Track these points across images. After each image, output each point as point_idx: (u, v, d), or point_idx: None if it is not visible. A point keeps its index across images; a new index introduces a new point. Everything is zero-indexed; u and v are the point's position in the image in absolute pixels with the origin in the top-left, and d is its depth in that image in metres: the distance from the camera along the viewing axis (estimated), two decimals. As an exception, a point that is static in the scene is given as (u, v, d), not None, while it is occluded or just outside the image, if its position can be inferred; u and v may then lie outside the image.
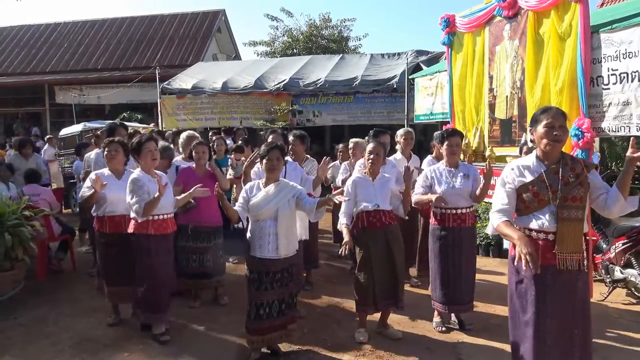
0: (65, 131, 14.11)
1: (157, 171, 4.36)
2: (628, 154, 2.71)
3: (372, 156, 4.26)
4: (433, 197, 4.24)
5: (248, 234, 3.79)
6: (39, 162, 8.37)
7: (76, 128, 13.76)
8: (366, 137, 5.52)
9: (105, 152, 4.64)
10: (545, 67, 5.94)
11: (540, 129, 2.82)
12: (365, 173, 4.33)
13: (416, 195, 4.47)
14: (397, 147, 5.80)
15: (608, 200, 2.80)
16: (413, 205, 4.56)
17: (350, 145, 5.83)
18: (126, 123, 10.63)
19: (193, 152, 5.06)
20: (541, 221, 2.81)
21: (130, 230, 4.23)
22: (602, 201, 2.81)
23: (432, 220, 4.51)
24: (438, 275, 4.42)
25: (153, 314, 4.27)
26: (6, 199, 5.78)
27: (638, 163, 2.72)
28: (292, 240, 3.81)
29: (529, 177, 2.86)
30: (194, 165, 5.10)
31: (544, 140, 2.81)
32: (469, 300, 4.42)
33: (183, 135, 5.86)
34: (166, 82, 14.80)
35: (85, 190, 4.54)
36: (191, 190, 4.31)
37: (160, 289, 4.25)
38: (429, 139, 12.92)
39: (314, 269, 5.66)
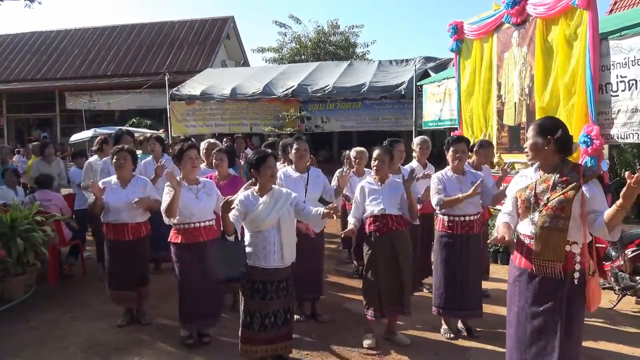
0: (75, 137, 14.29)
1: (202, 178, 4.43)
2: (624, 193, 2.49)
3: (375, 162, 4.30)
4: (465, 194, 4.17)
5: (248, 247, 3.71)
6: (62, 167, 8.18)
7: (87, 134, 13.93)
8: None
9: (114, 161, 4.66)
10: (555, 74, 5.94)
11: None
12: (374, 178, 4.36)
13: (438, 200, 4.35)
14: (414, 154, 5.84)
15: (595, 224, 2.70)
16: (439, 210, 4.44)
17: (354, 154, 5.80)
18: (135, 129, 10.73)
19: (213, 160, 5.09)
20: (526, 227, 2.91)
21: (169, 238, 4.29)
22: (590, 220, 2.74)
23: (438, 227, 4.52)
24: (443, 281, 4.43)
25: (183, 323, 4.28)
26: (19, 205, 5.86)
27: None
28: (294, 246, 3.80)
29: (521, 185, 2.98)
30: (215, 172, 5.09)
31: None
32: (475, 307, 4.41)
33: (203, 144, 5.88)
34: (175, 88, 14.92)
35: (90, 197, 4.61)
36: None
37: (189, 297, 4.22)
38: (437, 145, 12.95)
39: (316, 300, 5.03)
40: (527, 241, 2.91)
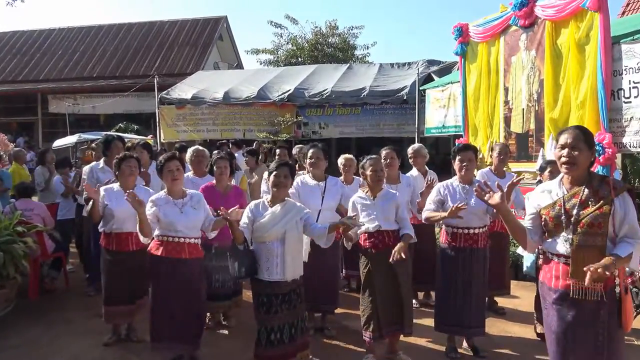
0: (59, 142, 14.23)
1: (189, 190, 4.32)
2: None
3: (371, 174, 4.26)
4: (444, 214, 4.21)
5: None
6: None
7: (71, 139, 13.88)
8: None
9: (122, 167, 4.62)
10: (566, 79, 5.99)
11: (556, 151, 2.88)
12: (366, 192, 4.35)
13: (426, 212, 4.46)
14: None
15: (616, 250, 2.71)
16: (423, 221, 4.57)
17: (342, 161, 5.72)
18: (122, 134, 10.74)
19: (214, 167, 5.02)
20: (558, 246, 2.85)
21: (149, 248, 4.21)
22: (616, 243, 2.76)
23: (442, 239, 4.54)
24: (444, 296, 4.45)
25: (158, 342, 4.13)
26: (-1, 214, 5.85)
27: None
28: (298, 263, 3.81)
29: (547, 201, 2.90)
30: (213, 181, 5.06)
31: (558, 163, 2.87)
32: (478, 324, 4.39)
33: (190, 150, 5.74)
34: (165, 92, 14.95)
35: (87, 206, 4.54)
36: (226, 216, 3.79)
37: (160, 316, 4.10)
38: (441, 153, 12.98)
39: (329, 313, 5.11)
40: (562, 261, 2.84)
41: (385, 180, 4.47)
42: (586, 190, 2.79)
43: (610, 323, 2.76)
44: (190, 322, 4.14)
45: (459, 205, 4.00)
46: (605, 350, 2.75)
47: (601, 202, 2.73)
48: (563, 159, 2.79)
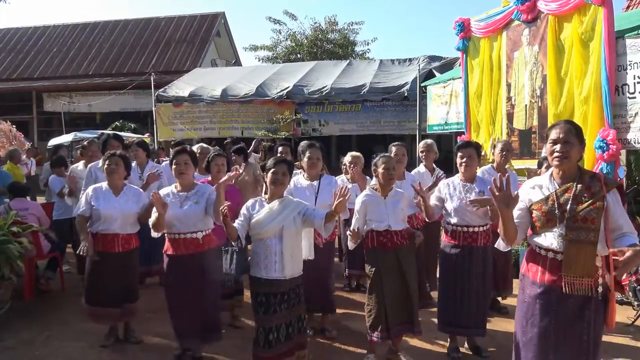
0: (54, 141, 14.25)
1: (200, 183, 4.39)
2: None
3: (383, 172, 4.26)
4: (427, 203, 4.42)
5: (251, 256, 3.81)
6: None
7: (66, 138, 13.90)
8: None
9: (105, 166, 4.66)
10: (569, 74, 5.99)
11: (547, 145, 2.90)
12: (376, 189, 4.36)
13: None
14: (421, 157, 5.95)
15: (622, 244, 2.73)
16: (426, 218, 4.60)
17: (349, 159, 5.75)
18: (119, 133, 10.74)
19: (211, 165, 5.05)
20: (550, 240, 2.85)
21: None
22: (614, 237, 2.78)
23: (443, 237, 4.56)
24: (444, 295, 4.47)
25: (183, 341, 4.24)
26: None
27: None
28: (297, 260, 3.83)
29: (538, 196, 2.91)
30: (209, 177, 5.06)
31: (549, 157, 2.89)
32: (478, 325, 4.39)
33: (195, 147, 5.94)
34: (162, 89, 14.97)
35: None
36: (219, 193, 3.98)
37: (173, 313, 4.22)
38: (443, 150, 12.95)
39: (330, 314, 5.09)
40: (550, 255, 2.85)
41: None
42: (579, 185, 2.81)
43: (597, 321, 2.80)
44: (203, 316, 4.20)
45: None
46: (591, 348, 2.78)
47: (594, 197, 2.76)
48: (556, 153, 2.82)
